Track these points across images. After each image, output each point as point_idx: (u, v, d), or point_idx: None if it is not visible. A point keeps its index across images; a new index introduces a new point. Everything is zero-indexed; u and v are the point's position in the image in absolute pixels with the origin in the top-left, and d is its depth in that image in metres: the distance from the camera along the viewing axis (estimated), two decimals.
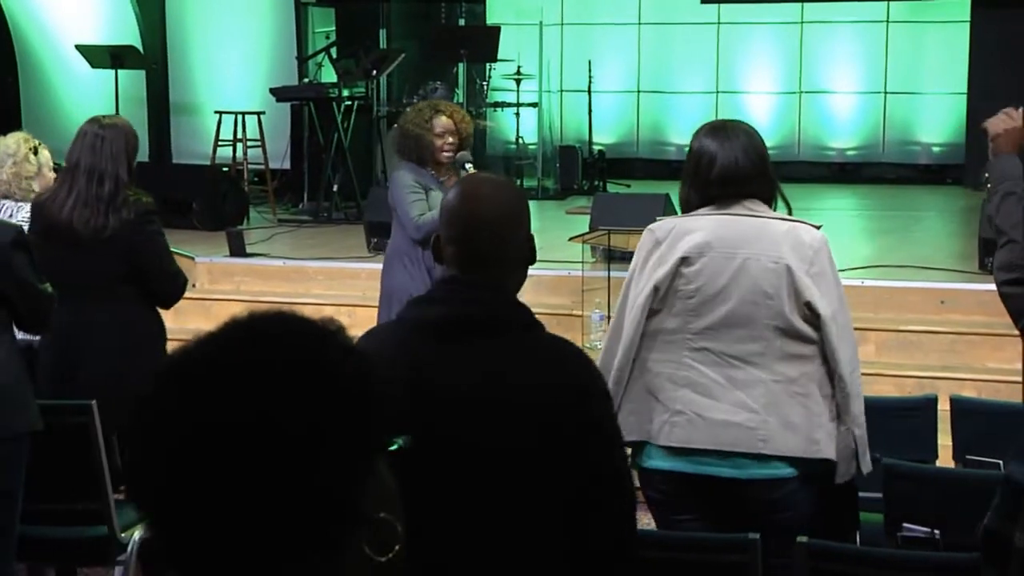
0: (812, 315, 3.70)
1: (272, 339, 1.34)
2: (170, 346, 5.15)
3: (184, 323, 7.48)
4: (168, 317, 5.38)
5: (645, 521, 5.29)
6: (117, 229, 5.00)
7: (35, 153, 5.58)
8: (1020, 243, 3.53)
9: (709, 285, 3.74)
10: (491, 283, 2.61)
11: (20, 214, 5.41)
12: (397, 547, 1.36)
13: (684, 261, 3.76)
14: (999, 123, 3.69)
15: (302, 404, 1.30)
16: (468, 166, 5.97)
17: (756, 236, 3.74)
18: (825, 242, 3.78)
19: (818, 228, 3.83)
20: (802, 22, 13.61)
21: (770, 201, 3.85)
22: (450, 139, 6.00)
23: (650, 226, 3.94)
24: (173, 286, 5.21)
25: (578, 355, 2.63)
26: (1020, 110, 3.70)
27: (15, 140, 5.53)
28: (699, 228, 3.79)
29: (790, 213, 3.91)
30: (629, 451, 3.87)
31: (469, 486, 2.52)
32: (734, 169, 3.77)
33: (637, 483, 3.85)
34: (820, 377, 3.73)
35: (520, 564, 2.53)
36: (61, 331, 4.97)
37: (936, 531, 4.04)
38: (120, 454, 5.15)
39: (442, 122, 6.03)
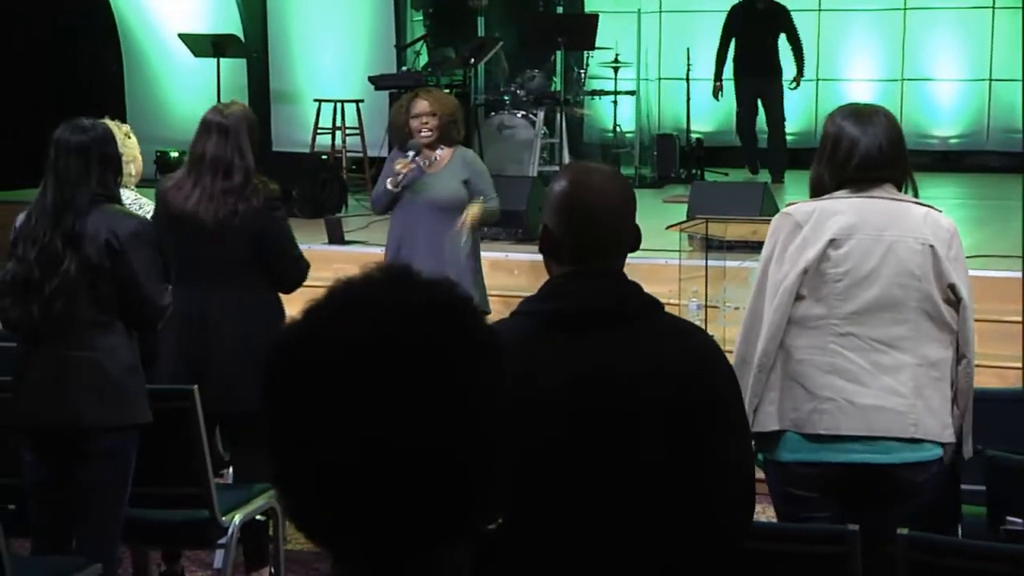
0: (954, 298, 3.69)
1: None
2: None
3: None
4: None
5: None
6: (245, 217, 5.01)
7: (128, 138, 5.65)
8: None
9: (858, 268, 3.70)
10: (615, 273, 2.66)
11: None
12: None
13: (832, 243, 3.72)
14: None
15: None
16: (409, 153, 6.40)
17: (900, 219, 3.72)
18: (957, 229, 3.78)
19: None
20: (905, 9, 13.41)
21: (901, 187, 3.82)
22: (425, 119, 6.38)
23: (785, 210, 3.90)
24: (297, 269, 5.23)
25: (707, 338, 2.75)
26: None
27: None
28: (842, 210, 3.74)
29: (917, 198, 3.88)
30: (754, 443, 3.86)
31: (609, 470, 2.57)
32: (876, 154, 3.74)
33: (762, 476, 3.84)
34: (952, 362, 3.73)
35: (633, 548, 2.55)
36: (187, 319, 5.01)
37: None
38: (220, 435, 5.21)
39: (419, 105, 6.43)
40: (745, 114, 12.27)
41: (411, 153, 6.41)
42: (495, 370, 1.33)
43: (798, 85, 12.20)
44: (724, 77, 12.35)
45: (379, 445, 1.27)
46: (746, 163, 12.52)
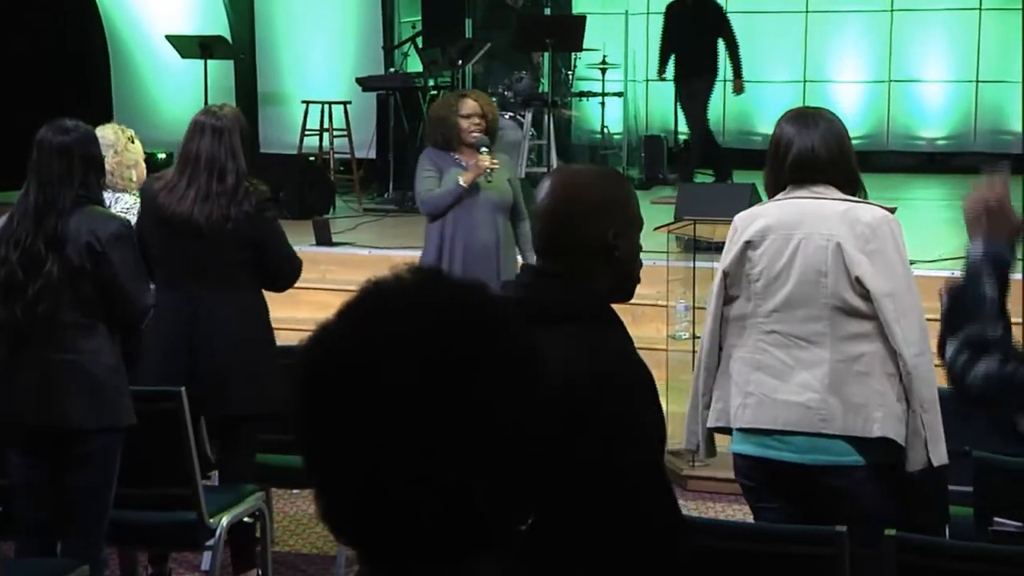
0: (864, 291, 3.68)
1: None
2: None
3: (271, 312, 7.50)
4: None
5: (730, 512, 5.27)
6: (238, 221, 4.97)
7: (132, 142, 5.64)
8: None
9: (770, 267, 3.79)
10: (553, 271, 2.61)
11: (119, 205, 5.46)
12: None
13: (749, 245, 3.83)
14: (975, 203, 2.65)
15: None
16: (484, 149, 6.26)
17: (812, 217, 3.77)
18: (888, 221, 3.75)
19: (892, 211, 3.82)
20: (892, 10, 13.44)
21: (847, 189, 3.82)
22: (476, 120, 6.30)
23: (735, 216, 4.01)
24: (291, 268, 5.22)
25: (612, 351, 2.59)
26: (1003, 178, 2.66)
27: (112, 131, 5.58)
28: (765, 213, 3.86)
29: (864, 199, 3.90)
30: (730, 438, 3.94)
31: None
32: (809, 156, 3.79)
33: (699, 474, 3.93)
34: (883, 356, 3.71)
35: (550, 549, 2.50)
36: (177, 319, 4.99)
37: None
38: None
39: (469, 105, 6.36)
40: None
41: (484, 150, 6.30)
42: (525, 374, 1.32)
43: (739, 90, 11.74)
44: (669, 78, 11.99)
45: (407, 447, 1.27)
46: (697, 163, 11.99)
